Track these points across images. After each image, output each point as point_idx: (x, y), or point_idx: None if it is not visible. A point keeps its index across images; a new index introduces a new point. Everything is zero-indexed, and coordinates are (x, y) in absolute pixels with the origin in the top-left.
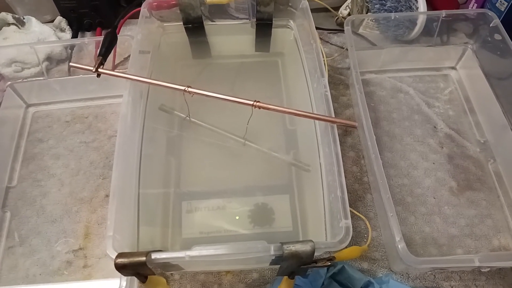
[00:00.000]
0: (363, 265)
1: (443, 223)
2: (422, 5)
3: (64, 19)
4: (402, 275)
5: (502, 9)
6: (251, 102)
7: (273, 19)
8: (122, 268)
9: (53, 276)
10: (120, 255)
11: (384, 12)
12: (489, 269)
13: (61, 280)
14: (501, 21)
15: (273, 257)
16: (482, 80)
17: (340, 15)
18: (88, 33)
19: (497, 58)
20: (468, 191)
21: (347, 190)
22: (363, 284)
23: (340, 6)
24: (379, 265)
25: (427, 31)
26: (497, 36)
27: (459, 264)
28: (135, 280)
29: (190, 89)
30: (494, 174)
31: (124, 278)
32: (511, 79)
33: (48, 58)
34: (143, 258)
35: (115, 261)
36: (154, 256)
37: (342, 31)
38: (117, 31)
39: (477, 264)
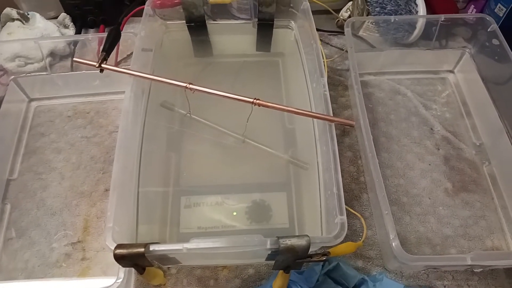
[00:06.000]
0: (357, 263)
1: (438, 223)
2: (421, 9)
3: (68, 15)
4: (396, 273)
5: (501, 15)
6: (251, 100)
7: (275, 19)
8: (120, 259)
9: (51, 268)
10: (119, 246)
11: (384, 15)
12: (481, 269)
13: (60, 272)
14: (499, 27)
15: (269, 251)
16: (479, 84)
17: (341, 17)
18: (91, 30)
19: (495, 63)
20: (463, 193)
21: (344, 189)
22: (357, 282)
23: (341, 9)
24: (374, 263)
25: (426, 34)
26: (495, 41)
27: (451, 262)
28: (132, 275)
29: (191, 86)
30: (489, 177)
31: (122, 270)
32: (508, 84)
33: (52, 54)
34: (142, 249)
35: (114, 252)
36: (152, 247)
37: (343, 33)
38: (120, 28)
39: (469, 262)
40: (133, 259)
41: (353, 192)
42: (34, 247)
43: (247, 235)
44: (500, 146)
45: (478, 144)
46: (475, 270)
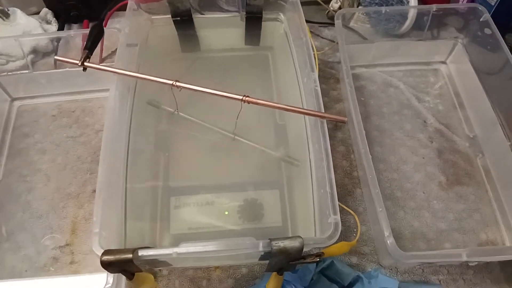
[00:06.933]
0: (352, 259)
1: (432, 217)
2: None
3: (50, 11)
4: (391, 269)
5: (493, 4)
6: (240, 97)
7: (263, 12)
8: (108, 266)
9: (39, 273)
10: (106, 252)
11: (375, 5)
12: (476, 263)
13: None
14: (491, 16)
15: (262, 253)
16: (472, 74)
17: (331, 8)
18: (75, 26)
19: (487, 52)
20: (456, 186)
21: (337, 184)
22: (352, 279)
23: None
24: (368, 259)
25: (417, 25)
26: (487, 31)
27: (447, 258)
28: (123, 279)
29: (177, 83)
30: (483, 169)
31: (111, 274)
32: (501, 74)
33: (34, 51)
34: (130, 255)
35: (101, 259)
36: (141, 253)
37: (333, 24)
38: (104, 23)
39: (464, 258)
40: (121, 265)
41: (346, 187)
42: (20, 251)
43: (238, 238)
44: (493, 138)
45: (471, 136)
46: (470, 264)
